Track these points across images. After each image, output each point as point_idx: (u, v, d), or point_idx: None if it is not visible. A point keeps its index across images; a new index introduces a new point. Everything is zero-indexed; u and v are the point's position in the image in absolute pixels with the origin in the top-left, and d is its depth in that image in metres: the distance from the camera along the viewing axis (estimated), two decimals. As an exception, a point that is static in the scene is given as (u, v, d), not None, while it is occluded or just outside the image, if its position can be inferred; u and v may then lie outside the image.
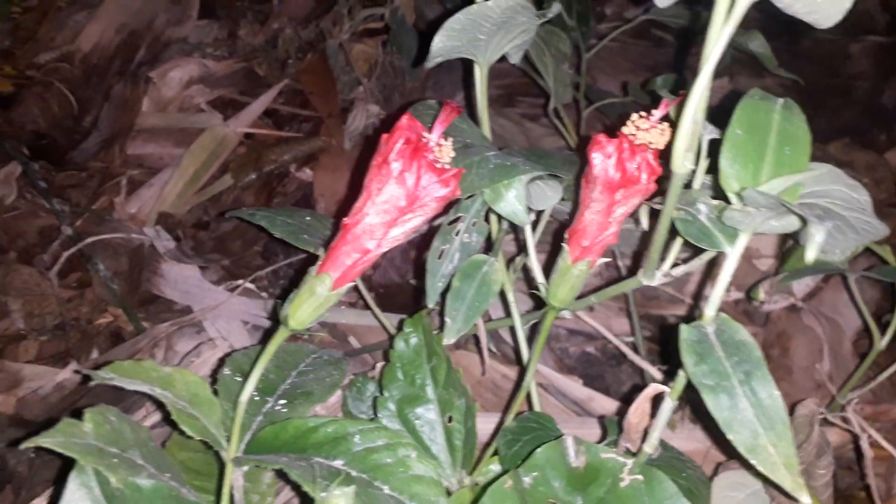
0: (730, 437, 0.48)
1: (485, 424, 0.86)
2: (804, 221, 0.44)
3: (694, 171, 0.59)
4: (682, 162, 0.49)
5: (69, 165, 1.23)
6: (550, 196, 0.70)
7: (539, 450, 0.59)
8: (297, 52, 1.38)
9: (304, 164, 1.23)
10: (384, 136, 0.57)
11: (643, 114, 0.57)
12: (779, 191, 0.49)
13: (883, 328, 0.91)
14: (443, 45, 0.64)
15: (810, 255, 0.42)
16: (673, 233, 0.57)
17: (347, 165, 1.23)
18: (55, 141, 1.25)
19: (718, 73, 1.50)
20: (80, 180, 1.20)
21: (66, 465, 0.54)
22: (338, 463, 0.58)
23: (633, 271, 1.06)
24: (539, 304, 0.67)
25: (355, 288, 0.79)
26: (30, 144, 1.24)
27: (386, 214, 0.58)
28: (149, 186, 1.18)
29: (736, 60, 1.38)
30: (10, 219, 1.14)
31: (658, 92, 1.19)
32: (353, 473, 0.57)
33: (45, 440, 0.52)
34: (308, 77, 1.35)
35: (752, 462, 0.48)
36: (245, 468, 0.62)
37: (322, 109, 1.30)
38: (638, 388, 0.98)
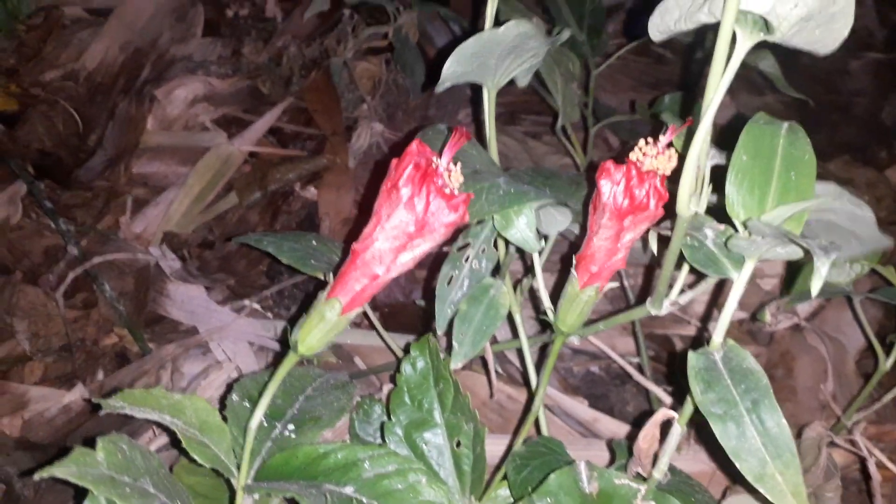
0: (738, 465, 0.49)
1: (492, 447, 0.86)
2: (808, 253, 0.45)
3: (700, 195, 0.60)
4: (687, 206, 0.49)
5: (74, 184, 1.23)
6: (560, 221, 0.70)
7: (552, 476, 0.59)
8: (300, 69, 1.38)
9: (308, 183, 1.24)
10: (394, 161, 0.58)
11: (650, 140, 0.57)
12: (785, 217, 0.50)
13: (886, 348, 0.91)
14: (453, 70, 0.65)
15: (816, 286, 0.42)
16: (680, 259, 0.57)
17: (352, 183, 1.23)
18: (60, 160, 1.25)
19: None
20: (85, 199, 1.20)
21: (75, 491, 0.55)
22: (348, 490, 0.58)
23: (643, 291, 1.07)
24: (545, 327, 0.67)
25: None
26: (35, 163, 1.24)
27: (395, 240, 0.58)
28: (154, 205, 1.19)
29: (737, 77, 1.39)
30: (15, 238, 1.14)
31: (662, 113, 1.20)
32: (364, 500, 0.57)
33: (59, 470, 0.52)
34: (312, 95, 1.36)
35: (761, 490, 0.48)
36: (255, 495, 0.62)
37: (326, 127, 1.31)
38: (644, 411, 0.99)
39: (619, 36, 1.58)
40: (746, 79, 1.39)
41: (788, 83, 1.54)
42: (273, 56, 1.41)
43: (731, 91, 1.51)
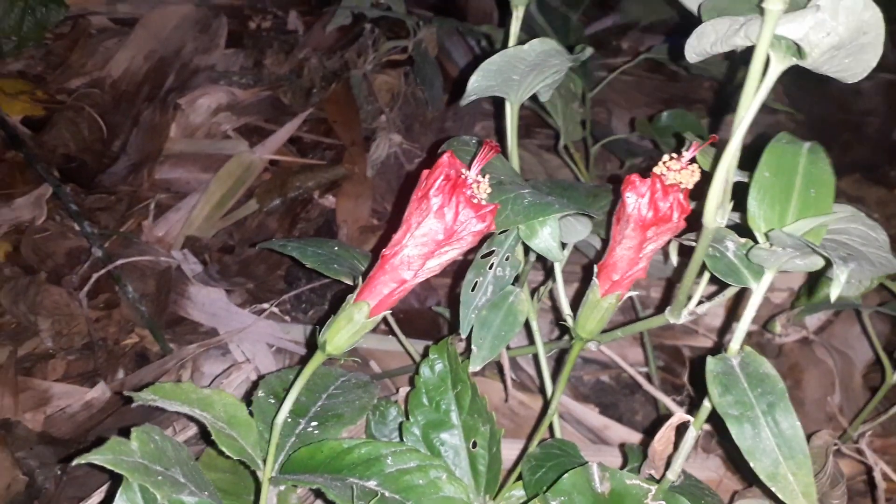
0: (752, 464, 0.51)
1: (506, 451, 0.88)
2: (828, 262, 0.47)
3: (724, 208, 0.62)
4: (713, 217, 0.51)
5: (98, 189, 1.26)
6: (580, 230, 0.72)
7: (566, 476, 0.61)
8: (321, 81, 1.41)
9: (327, 191, 1.26)
10: (424, 171, 0.60)
11: (674, 155, 0.60)
12: (804, 231, 0.52)
13: (894, 362, 0.93)
14: (478, 84, 0.68)
15: (835, 293, 0.44)
16: (698, 272, 0.59)
17: (369, 193, 1.26)
18: (85, 164, 1.28)
19: (732, 110, 1.52)
20: (108, 203, 1.23)
21: (112, 480, 0.57)
22: (371, 483, 0.60)
23: (650, 303, 1.09)
24: (564, 332, 0.69)
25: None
26: (60, 167, 1.27)
27: (424, 247, 0.60)
28: (176, 210, 1.21)
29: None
30: (40, 240, 1.16)
31: (661, 128, 1.23)
32: (387, 494, 0.59)
33: (96, 457, 0.54)
34: (332, 106, 1.38)
35: (773, 489, 0.51)
36: (280, 488, 0.64)
37: (345, 138, 1.33)
38: (655, 418, 1.01)
39: (634, 53, 1.61)
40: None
41: (800, 103, 1.57)
42: (294, 68, 1.44)
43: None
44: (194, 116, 1.32)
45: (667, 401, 0.97)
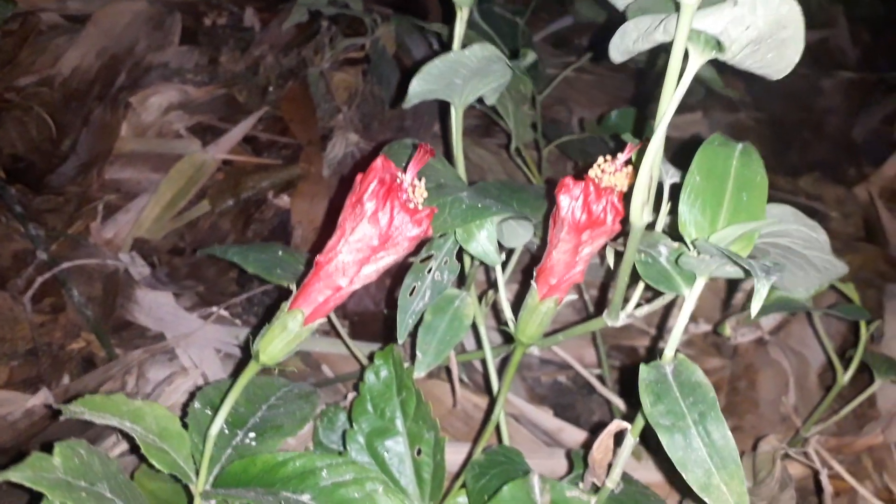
0: (685, 475, 0.50)
1: (454, 455, 0.87)
2: (749, 274, 0.46)
3: (656, 213, 0.61)
4: (640, 215, 0.50)
5: (46, 189, 1.22)
6: (522, 234, 0.71)
7: (505, 488, 0.60)
8: (277, 79, 1.39)
9: (282, 191, 1.24)
10: (359, 175, 0.59)
11: (608, 157, 0.59)
12: (734, 237, 0.51)
13: (846, 362, 0.93)
14: (420, 87, 0.66)
15: (755, 307, 0.43)
16: (636, 274, 0.58)
17: (326, 193, 1.24)
18: (33, 165, 1.25)
19: (692, 108, 1.53)
20: (56, 204, 1.20)
21: (34, 495, 0.55)
22: (305, 497, 0.59)
23: (600, 303, 1.08)
24: (510, 337, 0.68)
25: (328, 317, 0.80)
26: (7, 168, 1.23)
27: (359, 253, 0.59)
28: (125, 212, 1.18)
29: (709, 94, 1.42)
30: (-16, 242, 1.13)
31: (611, 128, 1.22)
32: (321, 508, 0.58)
33: (14, 474, 0.53)
34: (288, 104, 1.36)
35: (706, 500, 0.50)
36: (213, 502, 0.62)
37: (301, 137, 1.31)
38: (605, 422, 1.00)
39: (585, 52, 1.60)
40: (719, 97, 1.42)
41: (761, 101, 1.57)
42: (250, 65, 1.41)
43: (704, 108, 1.54)
44: (146, 115, 1.30)
45: (618, 401, 0.97)
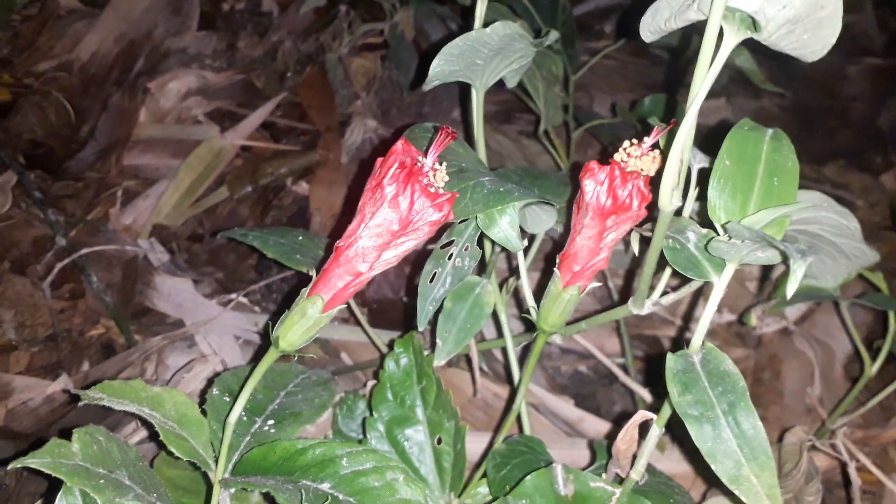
0: (714, 467, 0.49)
1: (475, 444, 0.86)
2: (786, 256, 0.45)
3: (684, 198, 0.60)
4: (669, 200, 0.49)
5: (65, 175, 1.22)
6: (545, 220, 0.70)
7: (528, 478, 0.59)
8: (296, 64, 1.38)
9: (300, 178, 1.24)
10: (379, 159, 0.58)
11: (634, 141, 0.57)
12: (766, 222, 0.50)
13: (874, 353, 0.91)
14: (440, 69, 0.65)
15: (791, 289, 0.42)
16: (663, 262, 0.57)
17: (344, 179, 1.23)
18: (52, 150, 1.25)
19: (715, 94, 1.50)
20: (75, 190, 1.20)
21: (53, 481, 0.54)
22: (325, 486, 0.58)
23: (624, 292, 1.07)
24: (531, 326, 0.67)
25: (347, 305, 0.79)
26: (26, 153, 1.24)
27: (379, 238, 0.58)
28: (144, 198, 1.18)
29: (733, 80, 1.39)
30: (3, 228, 1.13)
31: (644, 114, 1.20)
32: (341, 497, 0.57)
33: (33, 461, 0.52)
34: (306, 90, 1.35)
35: (736, 492, 0.48)
36: (232, 490, 0.62)
37: (320, 123, 1.30)
38: (627, 412, 0.99)
39: (612, 37, 1.58)
40: (743, 82, 1.39)
41: (785, 88, 1.54)
42: (268, 50, 1.40)
43: (728, 94, 1.51)
44: (164, 101, 1.29)
45: (642, 391, 0.95)
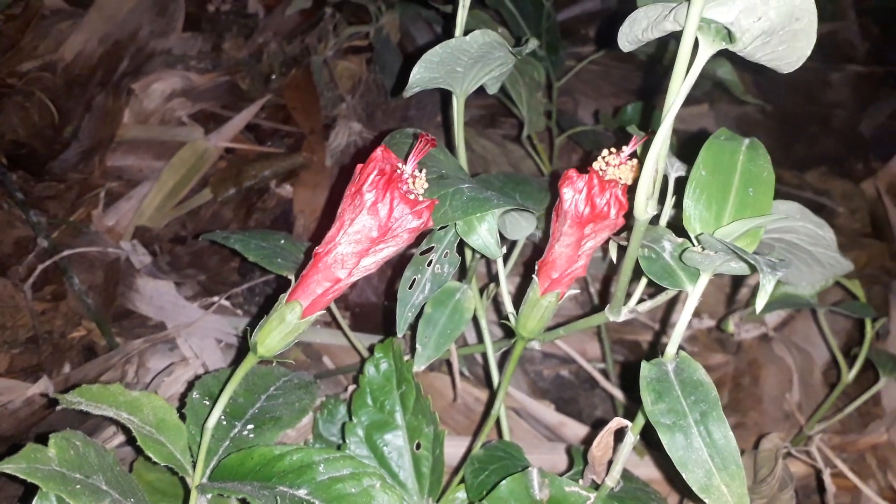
0: (684, 475, 0.49)
1: (455, 449, 0.86)
2: (755, 270, 0.45)
3: (661, 207, 0.60)
4: (644, 209, 0.49)
5: (48, 176, 1.22)
6: (525, 226, 0.70)
7: (504, 482, 0.60)
8: (281, 67, 1.38)
9: (284, 180, 1.23)
10: (358, 166, 0.58)
11: (613, 150, 0.58)
12: (740, 233, 0.50)
13: (852, 360, 0.92)
14: (421, 76, 0.65)
15: (760, 304, 0.42)
16: (639, 269, 0.57)
17: (328, 182, 1.23)
18: (34, 151, 1.24)
19: (698, 100, 1.51)
20: (58, 191, 1.20)
21: (30, 485, 0.54)
22: (302, 492, 0.58)
23: (605, 297, 1.07)
24: (512, 331, 0.67)
25: (329, 309, 0.79)
26: (8, 154, 1.23)
27: (358, 244, 0.58)
28: (127, 199, 1.18)
29: (717, 86, 1.40)
30: (-15, 229, 1.13)
31: (626, 121, 1.21)
32: (317, 503, 0.57)
33: (8, 466, 0.52)
34: (291, 92, 1.35)
35: (706, 501, 0.49)
36: (209, 495, 0.62)
37: (304, 125, 1.30)
38: (608, 418, 0.99)
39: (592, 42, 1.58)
40: (726, 89, 1.40)
41: (768, 95, 1.55)
42: (253, 52, 1.40)
43: (711, 101, 1.51)
44: (148, 102, 1.29)
45: (621, 396, 0.96)
